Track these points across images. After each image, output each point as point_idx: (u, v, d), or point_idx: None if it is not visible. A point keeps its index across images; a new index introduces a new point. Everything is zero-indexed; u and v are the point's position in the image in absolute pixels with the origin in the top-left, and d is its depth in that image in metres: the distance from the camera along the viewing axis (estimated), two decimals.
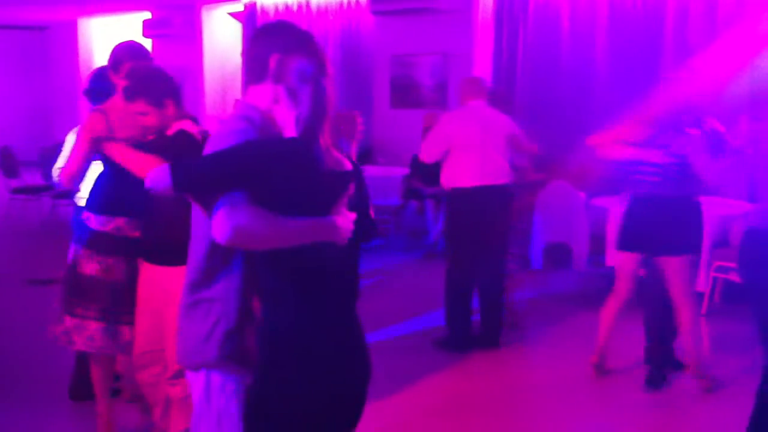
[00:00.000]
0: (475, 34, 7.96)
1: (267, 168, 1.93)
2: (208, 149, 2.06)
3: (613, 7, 7.29)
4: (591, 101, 7.32)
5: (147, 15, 12.21)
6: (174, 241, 2.96)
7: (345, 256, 2.07)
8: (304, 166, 1.99)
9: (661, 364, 4.41)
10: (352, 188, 2.09)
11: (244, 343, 2.14)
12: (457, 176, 4.94)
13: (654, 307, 4.47)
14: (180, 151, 2.95)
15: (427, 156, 5.05)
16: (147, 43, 10.80)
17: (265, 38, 2.16)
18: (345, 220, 2.01)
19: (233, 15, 11.15)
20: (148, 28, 11.98)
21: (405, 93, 9.10)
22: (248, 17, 10.43)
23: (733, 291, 5.87)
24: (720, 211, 5.93)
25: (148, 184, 1.93)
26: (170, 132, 3.08)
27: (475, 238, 4.96)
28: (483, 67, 8.00)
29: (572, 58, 7.54)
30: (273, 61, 2.10)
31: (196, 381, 2.19)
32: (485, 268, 5.01)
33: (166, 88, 3.08)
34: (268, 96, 2.11)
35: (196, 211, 2.12)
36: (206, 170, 1.93)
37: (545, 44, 7.71)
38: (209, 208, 1.94)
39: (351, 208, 2.06)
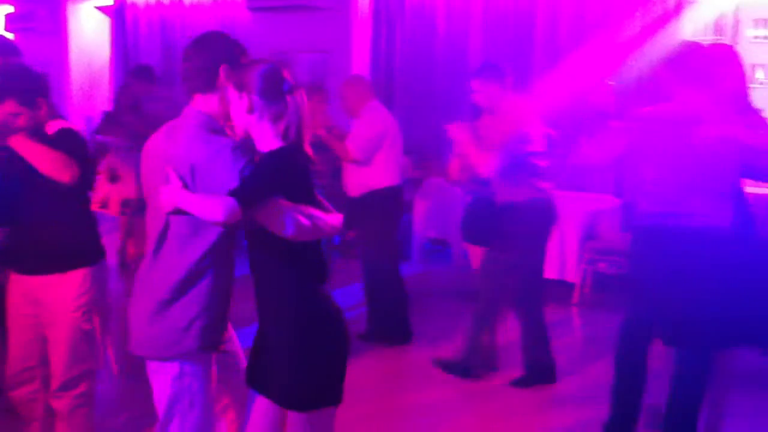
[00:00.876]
0: (353, 32, 7.97)
1: (290, 180, 2.24)
2: (200, 158, 2.24)
3: (487, 7, 7.47)
4: (466, 99, 7.46)
5: (10, 9, 11.57)
6: (47, 249, 2.86)
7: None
8: (303, 173, 2.29)
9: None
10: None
11: (218, 333, 2.42)
12: (387, 175, 4.98)
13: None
14: (70, 148, 2.84)
15: (362, 154, 4.91)
16: (9, 38, 10.21)
17: (209, 48, 2.33)
18: (337, 217, 2.34)
19: (101, 9, 10.70)
20: (11, 22, 11.37)
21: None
22: (117, 12, 10.03)
23: (602, 281, 6.14)
24: (589, 205, 6.19)
25: (222, 218, 2.13)
26: (50, 131, 2.89)
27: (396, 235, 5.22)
28: (361, 64, 8.02)
29: (448, 56, 7.67)
30: (222, 71, 2.28)
31: (163, 371, 2.37)
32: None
33: (37, 87, 2.89)
34: (216, 103, 2.30)
35: (179, 219, 2.27)
36: (258, 194, 2.18)
37: (422, 42, 7.81)
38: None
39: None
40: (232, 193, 2.14)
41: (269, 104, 2.26)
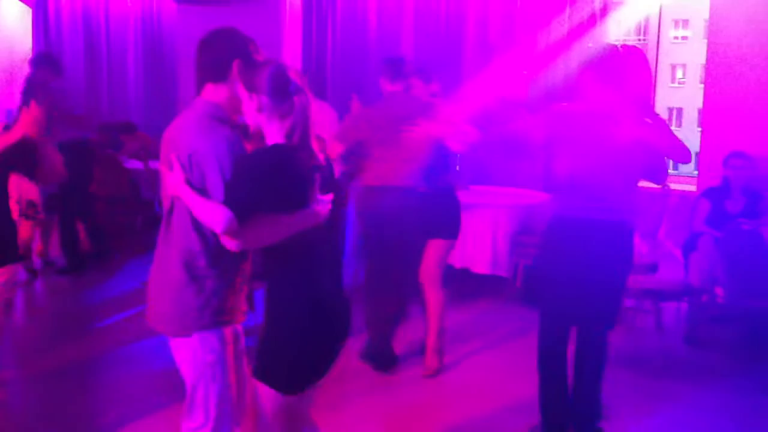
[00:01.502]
0: (284, 23, 7.87)
1: (275, 179, 2.33)
2: (199, 147, 2.34)
3: (418, 3, 7.48)
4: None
5: None
6: None
7: (327, 234, 2.52)
8: (293, 169, 2.38)
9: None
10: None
11: (230, 307, 2.50)
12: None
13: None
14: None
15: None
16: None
17: (224, 42, 2.45)
18: (322, 205, 2.46)
19: (23, 0, 10.30)
20: None
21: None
22: (38, 3, 9.69)
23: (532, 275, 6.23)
24: (520, 201, 6.27)
25: (220, 230, 2.26)
26: None
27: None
28: (293, 56, 7.94)
29: (380, 50, 7.66)
30: (235, 66, 2.41)
31: (185, 346, 2.47)
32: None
33: None
34: (225, 94, 2.43)
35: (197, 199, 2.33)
36: (252, 205, 2.30)
37: (353, 36, 7.78)
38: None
39: (326, 189, 2.58)
40: (230, 206, 2.27)
41: (277, 104, 2.39)
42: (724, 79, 5.82)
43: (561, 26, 6.71)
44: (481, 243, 6.01)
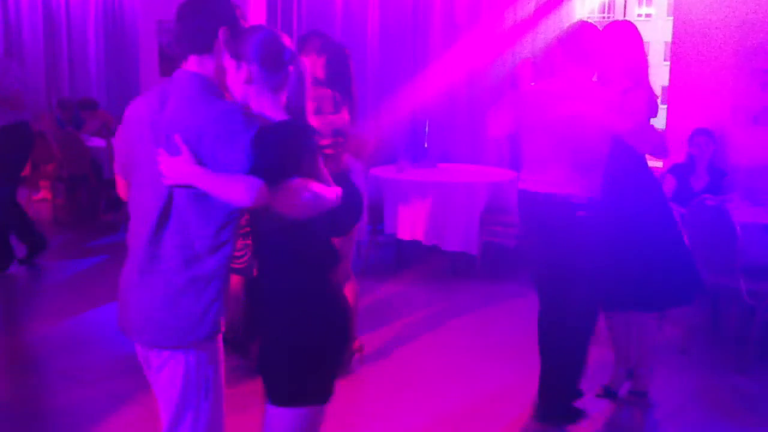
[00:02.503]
0: (248, 7, 7.74)
1: (298, 156, 2.11)
2: (209, 124, 2.05)
3: None
4: (366, 77, 7.42)
5: None
6: None
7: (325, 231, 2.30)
8: (311, 146, 2.16)
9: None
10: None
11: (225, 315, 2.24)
12: None
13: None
14: None
15: None
16: None
17: (207, 7, 2.18)
18: (335, 190, 2.20)
19: None
20: None
21: (175, 61, 8.67)
22: None
23: (501, 253, 6.26)
24: (488, 178, 6.28)
25: (250, 202, 2.01)
26: None
27: None
28: None
29: (347, 30, 7.59)
30: (222, 34, 2.15)
31: (176, 360, 2.19)
32: None
33: None
34: (211, 66, 2.16)
35: (186, 192, 2.09)
36: (282, 173, 2.05)
37: (319, 22, 7.70)
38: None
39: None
40: (256, 173, 2.01)
41: (270, 74, 2.16)
42: (689, 57, 5.86)
43: (527, 4, 6.70)
44: (452, 220, 6.02)
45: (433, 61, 7.14)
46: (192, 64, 2.18)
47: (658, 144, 3.38)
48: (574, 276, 3.38)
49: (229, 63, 2.16)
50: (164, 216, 2.13)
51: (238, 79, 2.16)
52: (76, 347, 4.54)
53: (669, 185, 5.36)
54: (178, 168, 2.05)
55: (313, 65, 3.97)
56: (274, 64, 2.16)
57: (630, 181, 3.49)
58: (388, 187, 6.20)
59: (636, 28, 3.48)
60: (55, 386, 4.04)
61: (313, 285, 2.24)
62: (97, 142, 7.90)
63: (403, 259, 6.47)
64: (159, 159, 2.09)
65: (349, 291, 4.17)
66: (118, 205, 7.58)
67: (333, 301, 2.29)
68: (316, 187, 2.12)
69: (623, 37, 3.44)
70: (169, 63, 8.78)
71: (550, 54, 3.55)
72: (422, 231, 6.10)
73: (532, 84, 3.54)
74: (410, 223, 6.16)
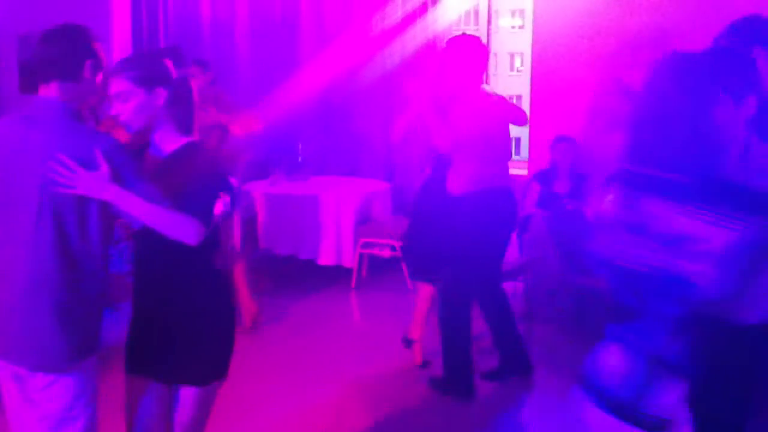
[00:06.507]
0: (113, 15, 7.49)
1: (216, 179, 2.31)
2: (91, 150, 2.13)
3: None
4: (236, 86, 7.31)
5: None
6: None
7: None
8: (215, 161, 2.35)
9: None
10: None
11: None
12: None
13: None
14: None
15: None
16: None
17: (70, 37, 2.24)
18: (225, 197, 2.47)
19: None
20: None
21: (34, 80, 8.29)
22: None
23: (377, 264, 6.28)
24: (361, 189, 6.30)
25: (194, 241, 2.17)
26: None
27: None
28: (123, 49, 7.58)
29: (214, 35, 7.47)
30: (89, 65, 2.22)
31: (60, 385, 2.19)
32: None
33: None
34: (74, 93, 2.22)
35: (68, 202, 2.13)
36: (210, 207, 2.24)
37: (187, 24, 7.54)
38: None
39: None
40: (193, 213, 2.16)
41: (175, 97, 2.27)
42: (548, 68, 6.07)
43: (394, 13, 6.78)
44: (324, 234, 6.00)
45: (303, 68, 7.11)
46: (53, 89, 2.23)
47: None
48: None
49: (132, 89, 2.23)
50: (42, 232, 2.14)
51: (151, 104, 2.23)
52: None
53: (534, 191, 5.53)
54: (98, 183, 2.11)
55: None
56: (168, 84, 2.26)
57: None
58: (263, 201, 6.12)
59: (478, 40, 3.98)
60: None
61: (197, 271, 2.34)
62: None
63: (280, 274, 6.38)
64: (70, 172, 2.11)
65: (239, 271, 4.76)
66: None
67: (218, 285, 2.41)
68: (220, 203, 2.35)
69: (473, 48, 3.93)
70: (30, 79, 8.39)
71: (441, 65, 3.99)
72: (297, 245, 6.07)
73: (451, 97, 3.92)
74: (285, 238, 6.10)
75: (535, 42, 6.15)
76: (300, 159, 7.41)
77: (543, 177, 5.59)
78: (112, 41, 7.56)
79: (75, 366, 2.20)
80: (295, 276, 6.29)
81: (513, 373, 4.17)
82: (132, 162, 2.18)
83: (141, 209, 2.15)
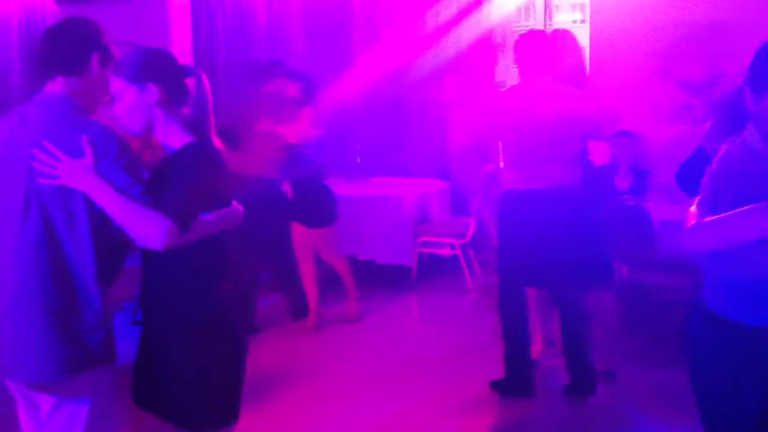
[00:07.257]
0: (172, 24, 7.65)
1: (210, 181, 2.10)
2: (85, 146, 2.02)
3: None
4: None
5: None
6: None
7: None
8: (220, 169, 2.13)
9: None
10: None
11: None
12: None
13: None
14: None
15: None
16: None
17: (78, 31, 2.16)
18: (238, 206, 2.22)
19: None
20: None
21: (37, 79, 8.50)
22: None
23: (436, 264, 6.26)
24: (418, 189, 6.29)
25: (161, 245, 1.96)
26: None
27: None
28: (184, 57, 7.74)
29: (270, 46, 7.56)
30: (95, 59, 2.13)
31: (69, 398, 2.09)
32: None
33: None
34: (79, 89, 2.13)
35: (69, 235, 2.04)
36: (193, 212, 2.02)
37: (244, 31, 7.65)
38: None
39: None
40: (168, 212, 1.96)
41: (173, 94, 2.15)
42: (607, 62, 5.96)
43: (449, 8, 6.75)
44: (384, 234, 6.01)
45: (356, 65, 7.13)
46: (58, 85, 2.14)
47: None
48: (592, 261, 3.73)
49: (125, 87, 2.12)
50: (30, 235, 2.04)
51: (143, 102, 2.11)
52: None
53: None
54: (77, 171, 2.00)
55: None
56: (174, 82, 2.15)
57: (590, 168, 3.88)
58: None
59: (574, 35, 3.91)
60: None
61: (203, 301, 2.13)
62: None
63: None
64: (55, 160, 2.02)
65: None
66: None
67: (224, 320, 2.18)
68: (218, 213, 2.13)
69: (567, 43, 3.85)
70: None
71: (514, 62, 3.94)
72: (358, 246, 6.09)
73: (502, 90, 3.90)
74: (345, 239, 6.13)
75: (593, 35, 6.06)
76: (358, 160, 7.44)
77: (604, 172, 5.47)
78: (172, 48, 7.73)
79: (77, 380, 2.07)
80: (355, 275, 6.33)
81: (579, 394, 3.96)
82: (117, 152, 2.04)
83: (110, 201, 1.99)
